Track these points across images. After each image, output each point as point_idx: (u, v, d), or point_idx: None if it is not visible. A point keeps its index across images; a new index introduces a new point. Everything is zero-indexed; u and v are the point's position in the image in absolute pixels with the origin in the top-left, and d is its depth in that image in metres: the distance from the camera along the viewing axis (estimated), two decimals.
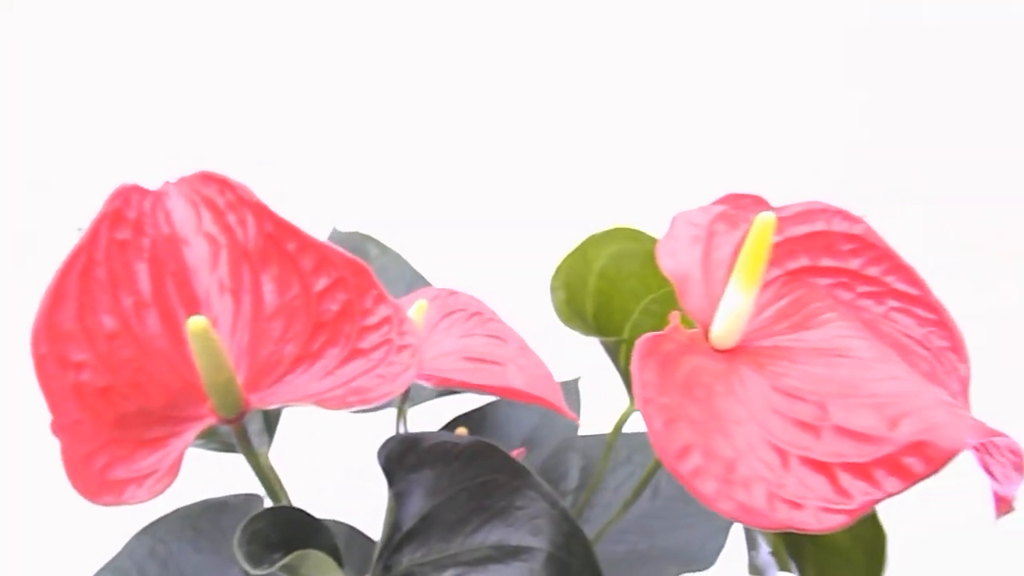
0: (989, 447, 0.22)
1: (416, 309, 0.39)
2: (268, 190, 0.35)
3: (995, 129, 1.02)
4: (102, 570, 0.40)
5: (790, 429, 0.23)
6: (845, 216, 0.29)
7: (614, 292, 0.35)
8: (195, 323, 0.28)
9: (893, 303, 0.29)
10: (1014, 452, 0.23)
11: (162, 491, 0.30)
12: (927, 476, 0.22)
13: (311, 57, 0.95)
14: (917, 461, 0.22)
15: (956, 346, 0.29)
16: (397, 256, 0.55)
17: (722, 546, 0.49)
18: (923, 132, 1.00)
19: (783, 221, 0.29)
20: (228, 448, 0.41)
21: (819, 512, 0.22)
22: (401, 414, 0.46)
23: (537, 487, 0.39)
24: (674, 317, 0.25)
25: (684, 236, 0.29)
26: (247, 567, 0.31)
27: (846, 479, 0.22)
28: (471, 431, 0.54)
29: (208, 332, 0.29)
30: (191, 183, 0.35)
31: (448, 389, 0.53)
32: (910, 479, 0.22)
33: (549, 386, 0.38)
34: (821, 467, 0.23)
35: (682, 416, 0.22)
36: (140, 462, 0.30)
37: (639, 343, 0.23)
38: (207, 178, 0.34)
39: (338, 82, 0.95)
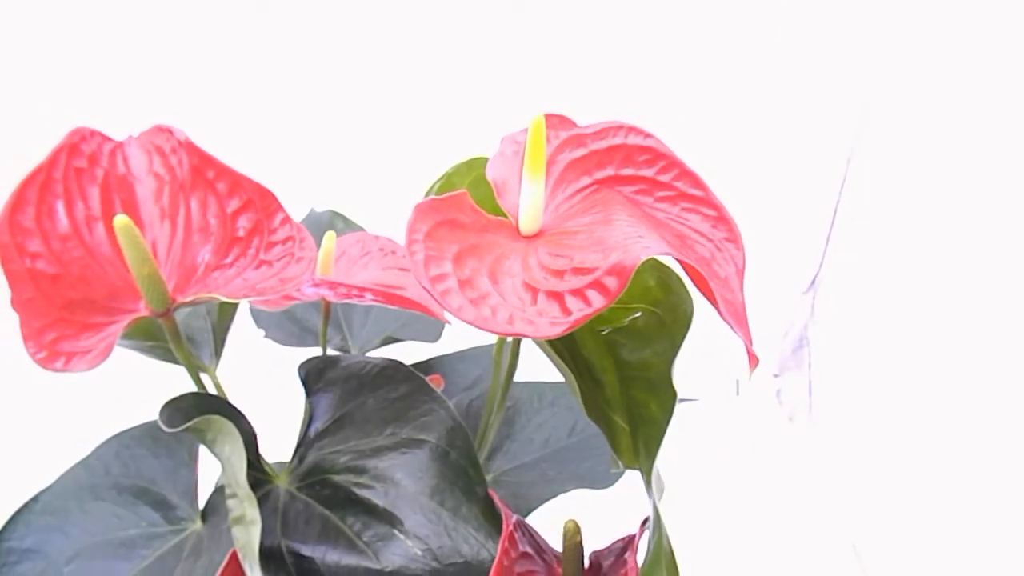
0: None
1: (327, 238, 0.46)
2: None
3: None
4: (75, 465, 0.48)
5: (546, 276, 0.30)
6: (638, 132, 0.35)
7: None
8: (120, 220, 0.36)
9: (684, 204, 0.35)
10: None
11: (97, 365, 0.37)
12: (619, 291, 0.28)
13: (296, 47, 1.02)
14: (613, 279, 0.28)
15: (733, 237, 0.34)
16: (359, 228, 0.63)
17: (623, 473, 0.54)
18: None
19: (587, 137, 0.36)
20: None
21: (549, 326, 0.28)
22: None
23: (431, 395, 0.45)
24: (464, 193, 0.32)
25: (507, 152, 0.36)
26: (162, 427, 0.38)
27: (571, 301, 0.28)
28: None
29: (131, 228, 0.37)
30: (147, 134, 0.43)
31: (390, 338, 0.60)
32: (609, 295, 0.28)
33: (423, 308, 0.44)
34: (557, 296, 0.29)
35: (446, 256, 0.29)
36: (83, 341, 0.38)
37: (417, 204, 0.30)
38: (159, 130, 0.43)
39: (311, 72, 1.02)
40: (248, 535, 0.37)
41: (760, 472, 0.95)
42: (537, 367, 0.61)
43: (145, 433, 0.50)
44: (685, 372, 0.40)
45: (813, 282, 1.01)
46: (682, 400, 0.42)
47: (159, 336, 0.46)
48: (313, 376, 0.47)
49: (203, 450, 0.50)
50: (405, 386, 0.45)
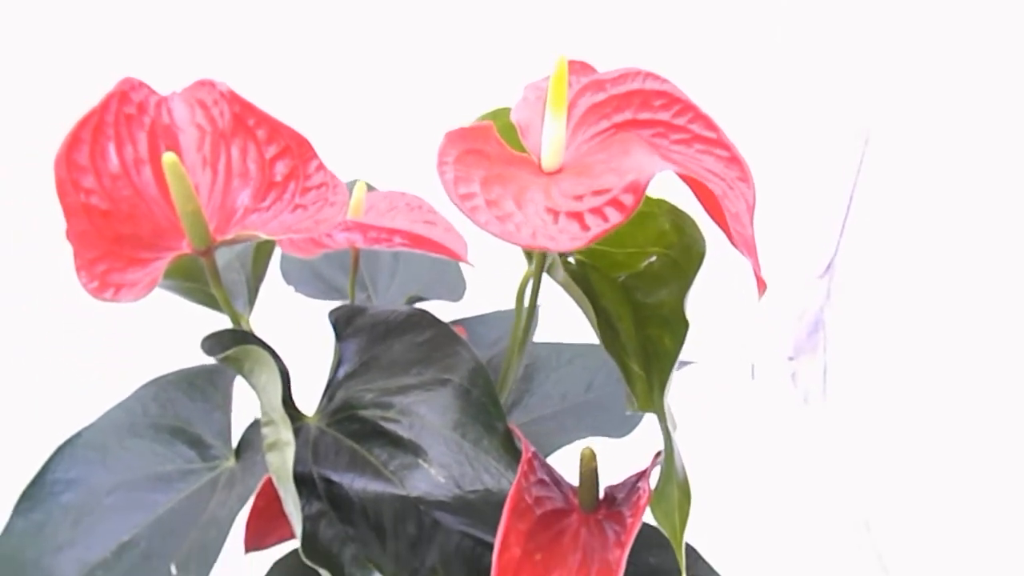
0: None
1: (357, 188, 0.48)
2: None
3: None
4: (114, 407, 0.50)
5: (567, 201, 0.32)
6: (655, 77, 0.37)
7: None
8: (168, 157, 0.39)
9: (699, 146, 0.37)
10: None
11: (143, 296, 0.40)
12: (634, 207, 0.30)
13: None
14: (629, 196, 0.30)
15: (744, 176, 0.36)
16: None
17: (637, 424, 0.56)
18: None
19: (606, 82, 0.38)
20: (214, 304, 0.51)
21: (569, 240, 0.30)
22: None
23: (455, 339, 0.47)
24: (491, 126, 0.34)
25: (530, 97, 0.38)
26: (205, 351, 0.40)
27: (589, 218, 0.30)
28: None
29: (178, 166, 0.39)
30: (190, 89, 0.46)
31: (414, 297, 0.63)
32: (625, 210, 0.30)
33: (456, 244, 0.47)
34: (577, 215, 0.31)
35: (474, 179, 0.31)
36: (130, 275, 0.40)
37: (448, 132, 0.32)
38: (201, 84, 0.46)
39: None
40: (282, 457, 0.39)
41: (773, 451, 0.96)
42: (555, 331, 0.63)
43: (181, 378, 0.52)
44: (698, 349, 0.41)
45: (829, 266, 1.02)
46: (683, 363, 0.43)
47: (199, 277, 0.49)
48: (342, 322, 0.49)
49: (236, 395, 0.53)
50: (430, 331, 0.48)
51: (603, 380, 0.60)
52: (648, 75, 0.37)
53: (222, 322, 0.51)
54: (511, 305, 0.59)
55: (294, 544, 0.57)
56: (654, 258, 0.42)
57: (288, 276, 0.62)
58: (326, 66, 1.05)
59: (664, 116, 0.37)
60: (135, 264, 0.41)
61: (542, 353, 0.61)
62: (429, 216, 0.50)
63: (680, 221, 0.40)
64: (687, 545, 0.46)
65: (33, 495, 0.47)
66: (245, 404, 0.52)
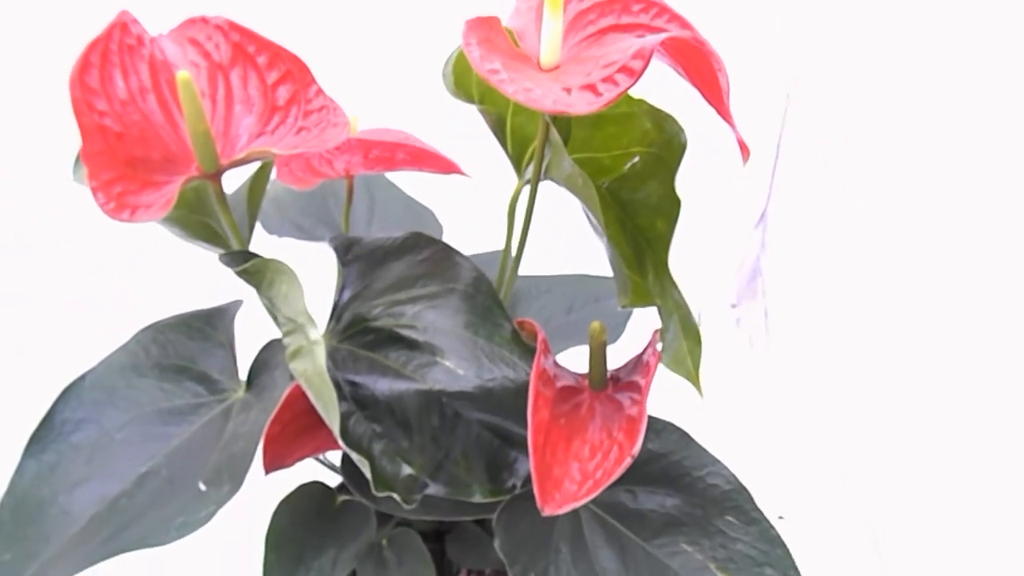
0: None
1: (352, 120, 0.51)
2: None
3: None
4: (114, 351, 0.51)
5: (575, 79, 0.35)
6: None
7: None
8: (182, 75, 0.41)
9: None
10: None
11: (159, 217, 0.41)
12: (642, 71, 0.34)
13: None
14: (638, 61, 0.34)
15: (721, 67, 0.41)
16: None
17: (621, 334, 0.60)
18: None
19: None
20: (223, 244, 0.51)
21: (586, 105, 0.34)
22: None
23: (454, 254, 0.50)
24: (498, 18, 0.37)
25: (522, 7, 0.42)
26: (226, 264, 0.42)
27: (601, 86, 0.34)
28: None
29: (191, 84, 0.41)
30: (178, 29, 0.47)
31: None
32: (634, 75, 0.34)
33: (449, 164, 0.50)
34: (590, 86, 0.34)
35: (495, 59, 0.34)
36: (145, 197, 0.42)
37: (467, 20, 0.35)
38: (191, 21, 0.47)
39: None
40: (312, 358, 0.41)
41: (748, 402, 1.01)
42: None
43: (179, 322, 0.53)
44: None
45: (762, 216, 1.10)
46: None
47: (202, 209, 0.50)
48: (342, 249, 0.51)
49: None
50: (428, 250, 0.50)
51: (582, 302, 0.64)
52: None
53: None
54: (487, 249, 0.63)
55: (300, 480, 0.58)
56: (636, 159, 0.46)
57: (269, 228, 0.63)
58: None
59: (644, 19, 0.41)
60: (149, 186, 0.42)
61: (521, 285, 0.64)
62: (418, 142, 0.53)
63: (659, 119, 0.45)
64: (679, 428, 0.51)
65: (43, 437, 0.47)
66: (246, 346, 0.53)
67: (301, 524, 0.57)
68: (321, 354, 0.40)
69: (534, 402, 0.40)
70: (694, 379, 0.40)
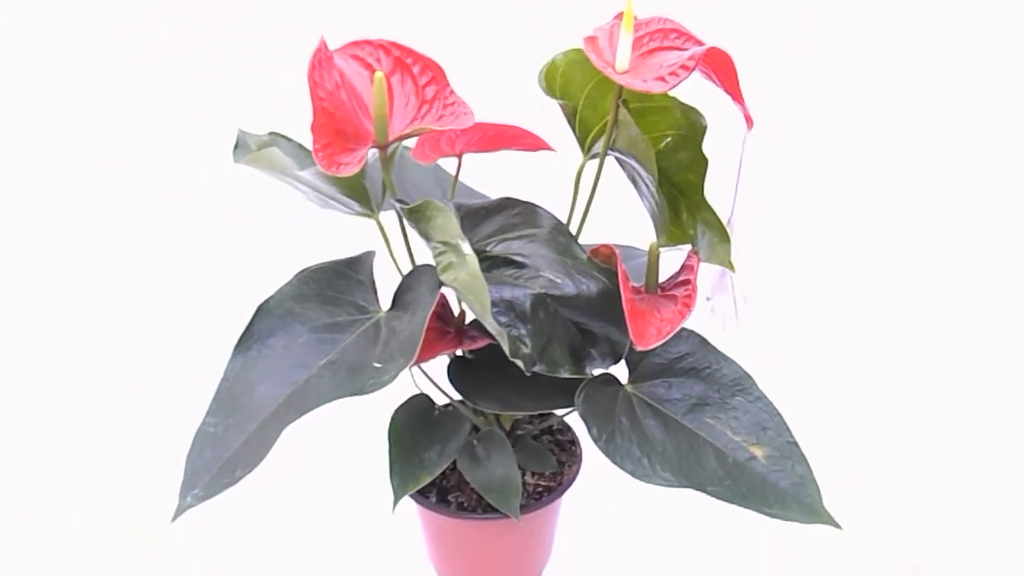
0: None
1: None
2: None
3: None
4: (281, 288, 0.68)
5: (648, 72, 0.57)
6: (670, 20, 0.63)
7: (570, 81, 0.68)
8: (378, 74, 0.60)
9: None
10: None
11: (354, 172, 0.60)
12: (695, 67, 0.55)
13: None
14: (690, 61, 0.55)
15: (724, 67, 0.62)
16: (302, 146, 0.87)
17: None
18: None
19: (642, 24, 0.63)
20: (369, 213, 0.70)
21: (660, 86, 0.55)
22: None
23: (539, 209, 0.70)
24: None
25: (599, 34, 0.63)
26: (401, 211, 0.61)
27: (668, 77, 0.55)
28: None
29: (382, 81, 0.60)
30: (344, 49, 0.67)
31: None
32: (689, 69, 0.55)
33: (540, 142, 0.70)
34: (659, 78, 0.56)
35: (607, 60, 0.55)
36: (344, 157, 0.60)
37: (584, 37, 0.56)
38: (355, 43, 0.67)
39: None
40: (467, 264, 0.59)
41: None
42: None
43: (326, 268, 0.71)
44: None
45: (729, 221, 1.32)
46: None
47: (360, 175, 0.68)
48: (454, 209, 0.70)
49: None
50: (519, 208, 0.70)
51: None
52: (666, 20, 0.63)
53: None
54: None
55: (414, 391, 0.75)
56: (669, 139, 0.67)
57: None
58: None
59: (678, 43, 0.63)
60: (346, 151, 0.61)
61: None
62: (517, 127, 0.73)
63: (686, 110, 0.66)
64: (699, 335, 0.71)
65: (246, 340, 0.64)
66: None
67: (412, 426, 0.74)
68: (474, 262, 0.59)
69: (623, 285, 0.60)
70: (728, 264, 0.61)
